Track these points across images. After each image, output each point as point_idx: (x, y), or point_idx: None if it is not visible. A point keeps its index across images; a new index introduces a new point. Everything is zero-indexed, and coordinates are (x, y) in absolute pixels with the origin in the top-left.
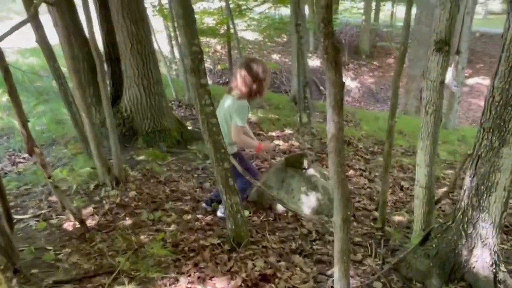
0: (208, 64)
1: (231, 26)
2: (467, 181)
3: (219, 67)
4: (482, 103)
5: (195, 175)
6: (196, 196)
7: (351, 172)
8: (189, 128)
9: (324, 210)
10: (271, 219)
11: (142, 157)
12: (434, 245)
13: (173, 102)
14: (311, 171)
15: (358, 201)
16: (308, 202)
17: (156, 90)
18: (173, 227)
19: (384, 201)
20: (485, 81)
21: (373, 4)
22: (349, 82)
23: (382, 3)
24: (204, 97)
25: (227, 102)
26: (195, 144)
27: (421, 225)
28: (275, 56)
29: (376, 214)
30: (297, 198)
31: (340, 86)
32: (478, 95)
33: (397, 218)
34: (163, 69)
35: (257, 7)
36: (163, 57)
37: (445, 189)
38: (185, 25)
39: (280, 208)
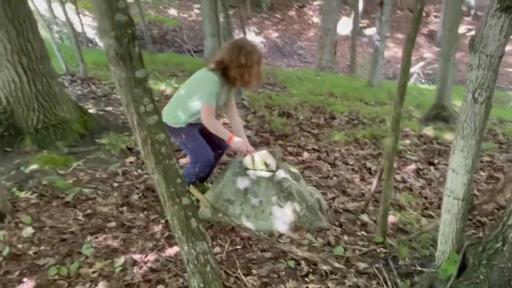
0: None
1: None
2: None
3: None
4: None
5: (115, 185)
6: (124, 220)
7: (305, 155)
8: (91, 112)
9: (304, 224)
10: (239, 247)
11: (34, 166)
12: (481, 277)
13: (64, 77)
14: (281, 174)
15: (332, 198)
16: (283, 217)
17: (42, 69)
18: (101, 285)
19: (386, 210)
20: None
21: None
22: (254, 37)
23: None
24: (143, 100)
25: (196, 74)
26: (105, 136)
27: (453, 245)
28: (172, 12)
29: (365, 218)
30: (268, 213)
31: None
32: None
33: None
34: (42, 34)
35: None
36: (41, 17)
37: (412, 167)
38: None
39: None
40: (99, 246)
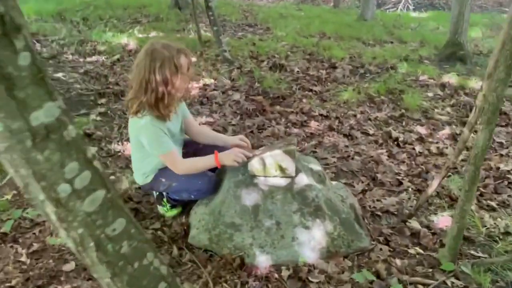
0: None
1: None
2: None
3: None
4: None
5: None
6: None
7: (313, 124)
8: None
9: (340, 247)
10: None
11: None
12: None
13: None
14: (302, 179)
15: (362, 192)
16: (311, 241)
17: None
18: None
19: (462, 230)
20: None
21: None
22: None
23: None
24: (64, 170)
25: (129, 127)
26: None
27: None
28: None
29: (415, 225)
30: (290, 238)
31: None
32: None
33: (434, 218)
34: None
35: None
36: None
37: (446, 131)
38: None
39: (262, 260)
40: None
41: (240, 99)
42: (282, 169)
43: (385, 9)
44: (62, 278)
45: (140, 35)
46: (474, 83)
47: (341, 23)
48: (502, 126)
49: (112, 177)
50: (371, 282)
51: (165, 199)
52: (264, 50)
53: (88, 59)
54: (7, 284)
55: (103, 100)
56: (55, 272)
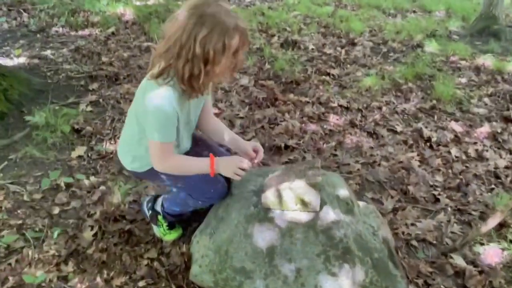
0: None
1: None
2: None
3: None
4: None
5: (55, 212)
6: None
7: (332, 119)
8: (21, 63)
9: None
10: None
11: None
12: None
13: None
14: (328, 214)
15: (393, 211)
16: None
17: None
18: None
19: None
20: None
21: None
22: None
23: None
24: None
25: (140, 89)
26: (40, 108)
27: None
28: None
29: (459, 262)
30: (313, 287)
31: None
32: None
33: (480, 249)
34: None
35: None
36: None
37: (485, 128)
38: None
39: None
40: None
41: (248, 85)
42: (304, 203)
43: None
44: None
45: (138, 3)
46: None
47: None
48: None
49: (102, 188)
50: None
51: (160, 217)
52: (273, 21)
53: (80, 32)
54: None
55: (95, 85)
56: None
